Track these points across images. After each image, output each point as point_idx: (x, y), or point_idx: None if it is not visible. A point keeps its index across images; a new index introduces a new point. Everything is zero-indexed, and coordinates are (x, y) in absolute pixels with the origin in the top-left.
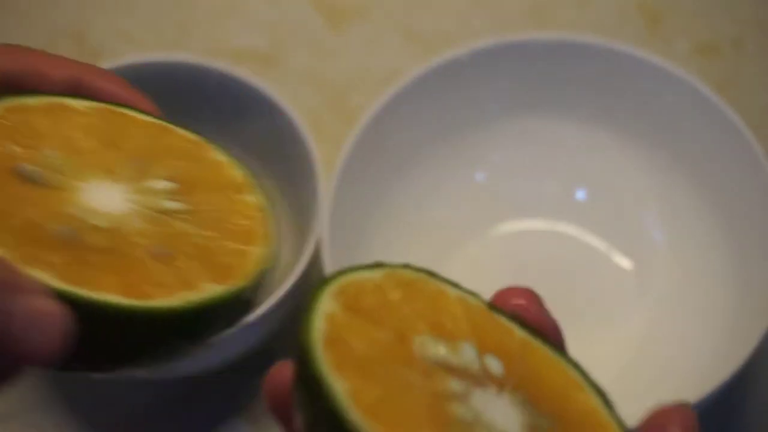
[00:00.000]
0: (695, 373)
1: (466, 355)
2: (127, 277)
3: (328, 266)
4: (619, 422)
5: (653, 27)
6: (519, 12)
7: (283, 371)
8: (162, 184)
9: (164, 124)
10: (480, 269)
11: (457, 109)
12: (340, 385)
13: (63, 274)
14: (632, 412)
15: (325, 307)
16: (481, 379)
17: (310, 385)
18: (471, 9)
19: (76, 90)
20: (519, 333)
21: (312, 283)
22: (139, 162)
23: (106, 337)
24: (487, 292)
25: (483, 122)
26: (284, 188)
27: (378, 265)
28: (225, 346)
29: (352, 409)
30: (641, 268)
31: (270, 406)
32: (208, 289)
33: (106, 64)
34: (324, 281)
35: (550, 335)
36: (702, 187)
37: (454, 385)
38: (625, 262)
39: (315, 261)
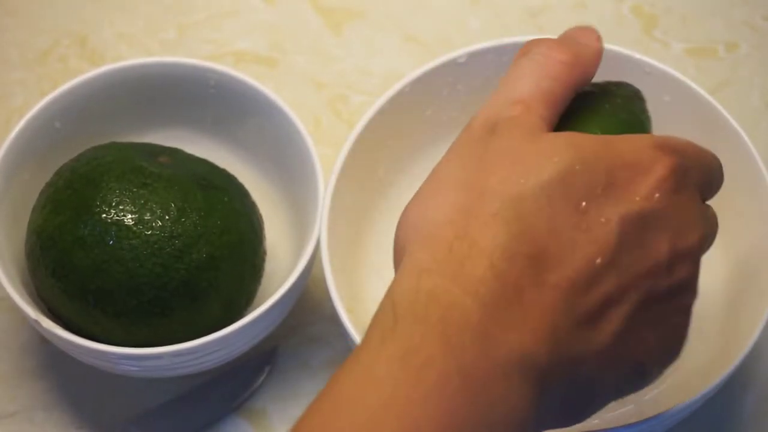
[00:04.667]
0: (692, 373)
1: None
2: None
3: (327, 266)
4: None
5: (649, 30)
6: (516, 14)
7: None
8: None
9: None
10: None
11: (455, 109)
12: None
13: None
14: (629, 409)
15: None
16: None
17: None
18: (469, 11)
19: None
20: None
21: (310, 284)
22: None
23: None
24: None
25: None
26: (284, 188)
27: None
28: (225, 345)
29: None
30: None
31: None
32: None
33: (108, 66)
34: None
35: None
36: None
37: None
38: None
39: (315, 261)
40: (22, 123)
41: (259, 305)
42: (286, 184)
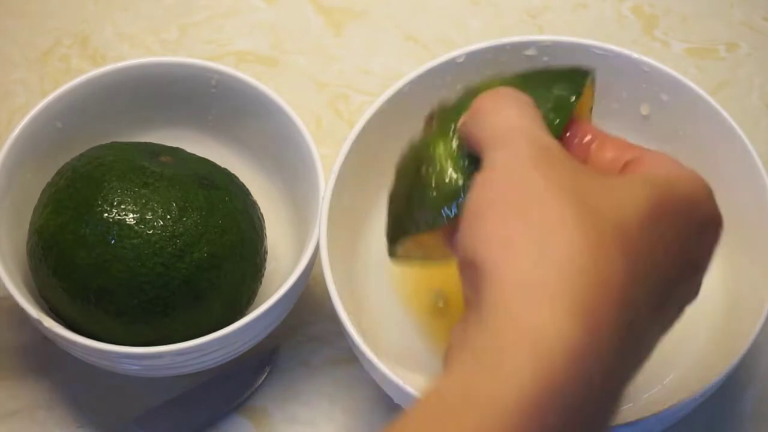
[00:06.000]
0: (690, 372)
1: None
2: None
3: (327, 266)
4: None
5: (649, 30)
6: (516, 15)
7: None
8: None
9: None
10: None
11: None
12: None
13: None
14: (628, 408)
15: None
16: None
17: None
18: (469, 11)
19: None
20: None
21: (311, 283)
22: None
23: None
24: None
25: None
26: (285, 188)
27: None
28: (226, 344)
29: None
30: None
31: None
32: None
33: (110, 66)
34: None
35: None
36: None
37: None
38: None
39: (315, 261)
40: (23, 122)
41: (259, 304)
42: (287, 184)
